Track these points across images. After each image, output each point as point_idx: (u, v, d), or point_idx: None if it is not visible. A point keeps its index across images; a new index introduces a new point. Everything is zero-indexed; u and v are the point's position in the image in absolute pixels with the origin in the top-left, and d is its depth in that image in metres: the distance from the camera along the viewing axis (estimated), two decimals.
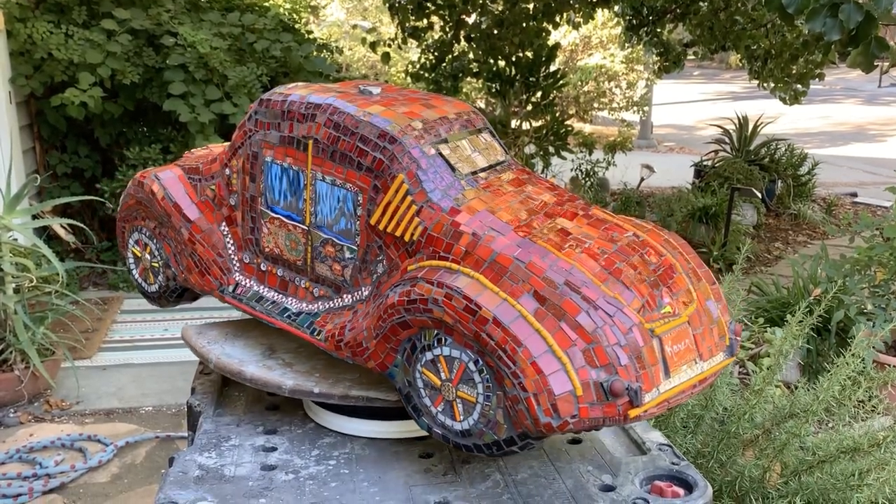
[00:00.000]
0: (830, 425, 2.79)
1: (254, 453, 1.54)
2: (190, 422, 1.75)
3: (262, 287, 1.72)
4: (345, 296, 1.57)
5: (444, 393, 1.38)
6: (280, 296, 1.68)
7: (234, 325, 1.89)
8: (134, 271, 1.97)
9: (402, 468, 1.49)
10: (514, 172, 1.57)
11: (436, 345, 1.38)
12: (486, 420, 1.35)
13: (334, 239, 1.57)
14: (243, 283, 1.75)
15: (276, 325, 1.64)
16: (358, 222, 1.54)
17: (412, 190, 1.47)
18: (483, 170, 1.54)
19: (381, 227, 1.50)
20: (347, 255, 1.56)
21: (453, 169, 1.50)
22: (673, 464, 1.51)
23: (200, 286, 1.80)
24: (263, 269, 1.72)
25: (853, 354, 2.44)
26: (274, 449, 1.56)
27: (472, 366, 1.34)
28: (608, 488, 1.43)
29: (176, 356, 4.47)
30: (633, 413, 1.28)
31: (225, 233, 1.77)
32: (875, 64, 3.05)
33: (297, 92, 1.65)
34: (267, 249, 1.70)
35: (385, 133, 1.50)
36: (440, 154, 1.51)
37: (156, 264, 1.88)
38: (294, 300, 1.65)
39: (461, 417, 1.38)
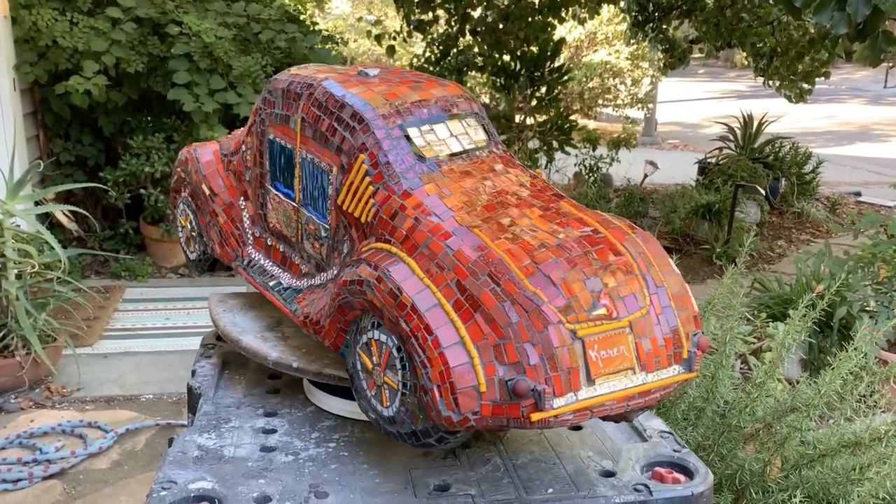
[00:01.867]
0: (831, 420, 2.79)
1: (253, 435, 1.54)
2: (190, 404, 1.75)
3: (267, 261, 1.76)
4: (322, 274, 1.59)
5: (375, 377, 1.37)
6: (279, 270, 1.70)
7: (254, 297, 1.92)
8: (181, 239, 2.07)
9: (402, 452, 1.49)
10: (491, 160, 1.52)
11: (370, 328, 1.36)
12: (405, 409, 1.32)
13: (314, 217, 1.59)
14: (254, 256, 1.79)
15: (269, 298, 1.68)
16: (329, 202, 1.55)
17: (371, 171, 1.47)
18: (454, 155, 1.50)
19: (344, 207, 1.51)
20: (323, 234, 1.58)
21: (418, 152, 1.48)
22: (674, 451, 1.50)
23: (221, 257, 1.87)
24: (269, 243, 1.76)
25: (855, 348, 2.43)
26: (274, 431, 1.55)
27: (395, 352, 1.31)
28: (609, 474, 1.43)
29: (178, 345, 4.47)
30: (536, 416, 1.20)
31: (242, 207, 1.83)
32: (882, 58, 3.03)
33: (302, 72, 1.67)
34: (271, 225, 1.73)
35: (355, 113, 1.50)
36: (406, 136, 1.49)
37: (193, 234, 1.97)
38: (288, 275, 1.68)
39: (387, 403, 1.35)
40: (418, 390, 1.27)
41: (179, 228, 2.06)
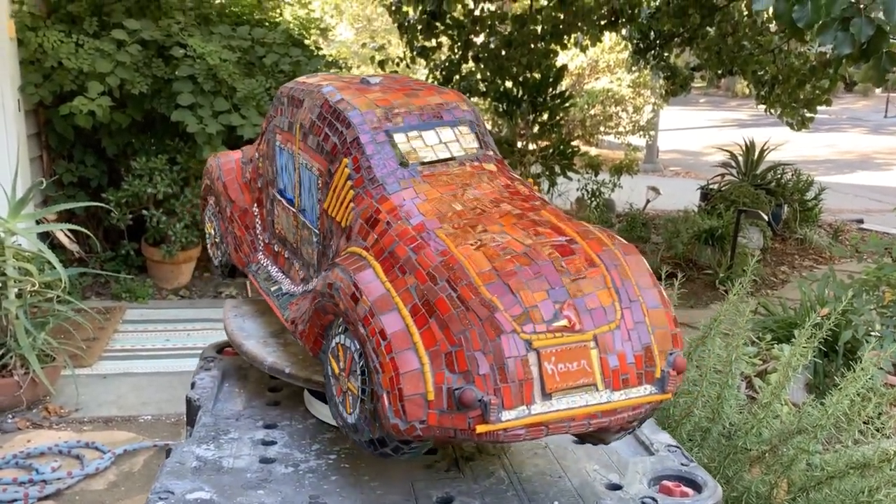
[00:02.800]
0: (838, 444, 2.75)
1: (253, 446, 1.51)
2: (189, 417, 1.73)
3: (273, 267, 1.77)
4: (313, 280, 1.58)
5: (341, 383, 1.34)
6: (282, 276, 1.70)
7: (266, 304, 1.92)
8: (208, 245, 2.11)
9: (404, 464, 1.46)
10: (478, 167, 1.51)
11: (338, 333, 1.34)
12: (363, 416, 1.29)
13: (307, 223, 1.60)
14: (262, 262, 1.80)
15: (269, 304, 1.68)
16: (318, 207, 1.55)
17: (353, 175, 1.46)
18: (440, 161, 1.49)
19: (329, 211, 1.51)
20: (314, 239, 1.58)
21: (401, 158, 1.47)
22: (682, 465, 1.48)
23: (236, 262, 1.90)
24: (276, 250, 1.77)
25: (862, 369, 2.41)
26: (273, 443, 1.53)
27: (356, 357, 1.29)
28: (615, 487, 1.40)
29: (177, 366, 4.43)
30: (482, 429, 1.15)
31: (255, 213, 1.85)
32: (885, 79, 3.03)
33: (308, 80, 1.68)
34: (278, 231, 1.75)
35: (343, 118, 1.51)
36: (391, 142, 1.48)
37: (216, 240, 2.01)
38: (288, 281, 1.69)
39: (350, 410, 1.32)
40: (374, 397, 1.24)
41: (207, 235, 2.10)
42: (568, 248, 1.29)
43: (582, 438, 1.38)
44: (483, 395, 1.14)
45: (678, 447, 1.54)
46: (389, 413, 1.19)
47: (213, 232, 2.04)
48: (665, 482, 1.41)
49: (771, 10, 3.11)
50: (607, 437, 1.34)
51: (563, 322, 1.21)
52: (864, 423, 2.51)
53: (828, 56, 7.74)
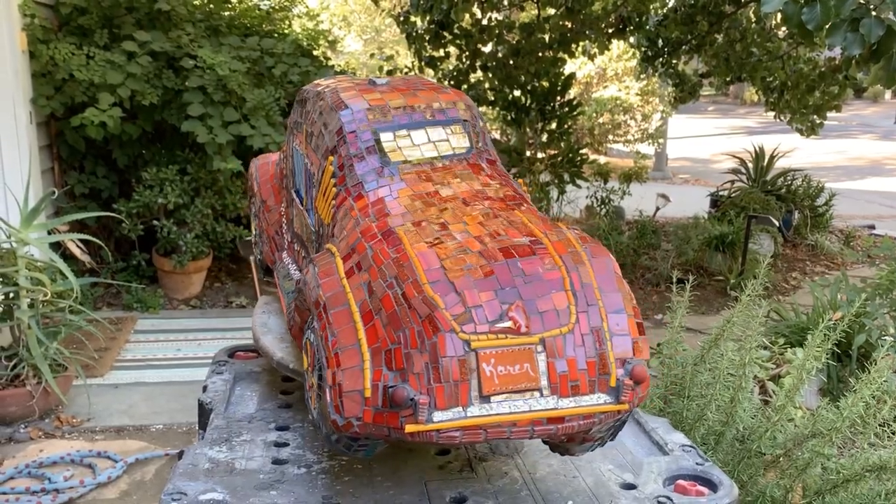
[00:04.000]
0: (851, 451, 2.73)
1: (265, 448, 1.51)
2: (201, 420, 1.72)
3: (292, 266, 1.78)
4: None
5: (307, 378, 1.35)
6: (299, 275, 1.70)
7: None
8: (252, 242, 2.16)
9: (416, 464, 1.45)
10: (463, 166, 1.50)
11: (307, 329, 1.35)
12: (318, 411, 1.29)
13: (309, 221, 1.62)
14: (285, 260, 1.83)
15: (281, 301, 1.70)
16: (314, 204, 1.59)
17: (336, 173, 1.48)
18: (425, 160, 1.49)
19: (318, 209, 1.53)
20: (314, 237, 1.59)
21: (384, 156, 1.48)
22: (697, 464, 1.46)
23: (267, 260, 1.94)
24: (296, 248, 1.79)
25: (878, 370, 2.38)
26: (286, 444, 1.52)
27: (317, 352, 1.28)
28: (630, 486, 1.39)
29: (189, 375, 4.44)
30: (411, 428, 1.13)
31: (282, 213, 1.87)
32: None
33: (322, 83, 1.71)
34: (296, 230, 1.76)
35: (335, 117, 1.53)
36: (377, 140, 1.49)
37: (255, 238, 2.06)
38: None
39: (314, 405, 1.32)
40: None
41: (252, 234, 2.15)
42: (528, 249, 1.25)
43: (551, 448, 1.35)
44: (415, 394, 1.13)
45: (693, 447, 1.53)
46: (330, 408, 1.19)
47: (254, 231, 2.09)
48: (680, 481, 1.40)
49: (780, 13, 3.11)
50: (572, 447, 1.29)
51: (508, 324, 1.17)
52: (880, 425, 2.48)
53: (836, 61, 7.73)
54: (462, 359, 1.14)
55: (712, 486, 1.39)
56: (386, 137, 1.50)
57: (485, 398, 1.14)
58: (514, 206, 1.40)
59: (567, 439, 1.27)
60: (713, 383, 2.54)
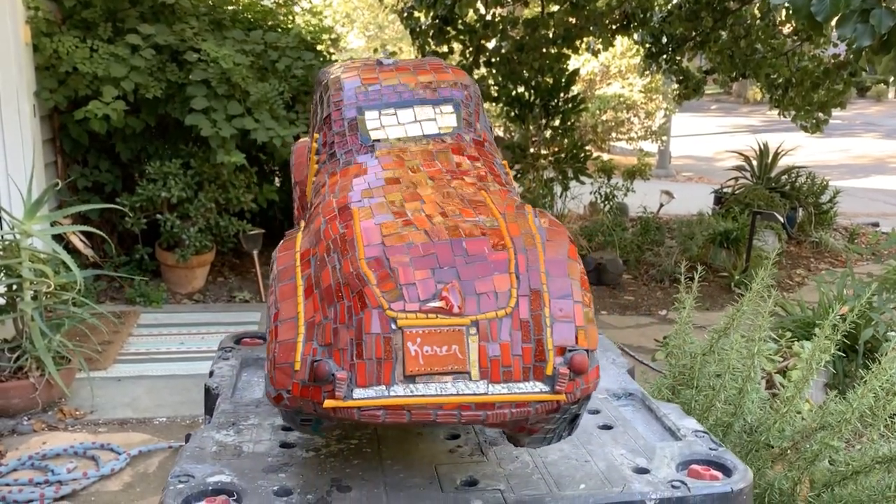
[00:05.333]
0: (858, 446, 2.71)
1: (273, 432, 1.49)
2: (207, 405, 1.71)
3: None
4: None
5: None
6: None
7: None
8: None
9: (426, 448, 1.44)
10: (444, 146, 1.48)
11: None
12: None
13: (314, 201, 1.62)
14: None
15: None
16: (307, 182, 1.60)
17: (319, 150, 1.50)
18: (408, 139, 1.49)
19: (305, 188, 1.54)
20: (306, 215, 1.60)
21: (365, 134, 1.47)
22: (710, 449, 1.45)
23: None
24: None
25: (888, 360, 2.37)
26: (293, 428, 1.51)
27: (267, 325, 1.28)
28: (643, 471, 1.37)
29: (192, 369, 4.42)
30: (329, 404, 1.10)
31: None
32: None
33: (338, 64, 1.71)
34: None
35: (325, 96, 1.54)
36: (359, 119, 1.49)
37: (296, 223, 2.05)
38: None
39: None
40: None
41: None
42: (478, 229, 1.22)
43: (507, 438, 1.32)
44: (337, 369, 1.10)
45: (706, 433, 1.51)
46: (266, 379, 1.19)
47: (295, 213, 2.10)
48: (694, 466, 1.38)
49: (788, 5, 3.09)
50: (521, 437, 1.25)
51: (440, 303, 1.14)
52: (889, 417, 2.46)
53: (841, 57, 7.71)
54: (387, 336, 1.12)
55: (726, 470, 1.38)
56: (371, 115, 1.50)
57: (410, 378, 1.11)
58: (483, 186, 1.37)
59: (508, 428, 1.22)
60: (722, 374, 2.52)
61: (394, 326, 1.12)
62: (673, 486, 1.31)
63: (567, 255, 1.23)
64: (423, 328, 1.12)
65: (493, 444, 1.45)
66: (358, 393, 1.11)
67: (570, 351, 1.15)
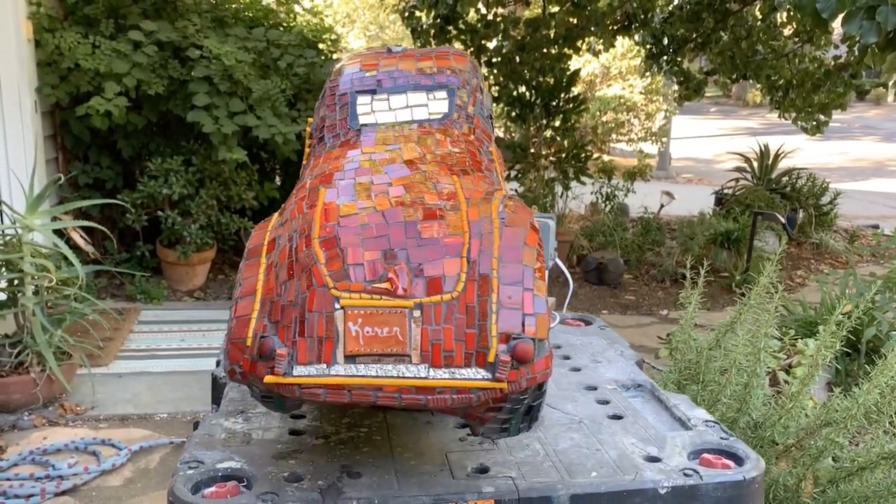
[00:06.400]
0: (862, 444, 2.70)
1: (282, 420, 1.49)
2: (214, 395, 1.70)
3: None
4: None
5: None
6: None
7: None
8: None
9: (436, 436, 1.43)
10: (429, 131, 1.48)
11: None
12: None
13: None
14: None
15: None
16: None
17: (314, 134, 1.52)
18: (396, 124, 1.49)
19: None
20: None
21: (354, 119, 1.49)
22: (721, 438, 1.44)
23: None
24: None
25: (894, 356, 2.36)
26: (303, 416, 1.50)
27: None
28: (654, 459, 1.36)
29: (193, 366, 4.41)
30: (269, 379, 1.11)
31: None
32: None
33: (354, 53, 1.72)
34: None
35: (326, 82, 1.58)
36: (351, 104, 1.51)
37: None
38: None
39: None
40: None
41: None
42: (436, 213, 1.21)
43: (466, 425, 1.31)
44: (280, 345, 1.11)
45: (716, 423, 1.51)
46: (223, 355, 1.20)
47: None
48: (705, 455, 1.38)
49: (793, 3, 3.08)
50: (475, 426, 1.23)
51: (385, 285, 1.13)
52: (894, 413, 2.46)
53: (842, 59, 7.71)
54: (329, 315, 1.12)
55: (738, 459, 1.37)
56: (363, 100, 1.51)
57: (350, 358, 1.11)
58: (458, 171, 1.36)
59: (454, 414, 1.21)
60: (727, 369, 2.52)
61: (336, 306, 1.12)
62: (685, 475, 1.30)
63: (524, 241, 1.20)
64: (364, 309, 1.12)
65: None
66: (298, 370, 1.11)
67: (514, 339, 1.11)
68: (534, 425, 1.24)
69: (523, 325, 1.13)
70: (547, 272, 2.28)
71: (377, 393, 1.11)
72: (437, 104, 1.53)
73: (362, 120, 1.49)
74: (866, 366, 3.83)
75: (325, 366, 1.10)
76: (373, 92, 1.52)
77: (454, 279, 1.14)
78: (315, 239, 1.17)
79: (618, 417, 1.53)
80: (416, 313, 1.12)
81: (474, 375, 1.11)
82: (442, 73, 1.56)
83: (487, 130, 1.56)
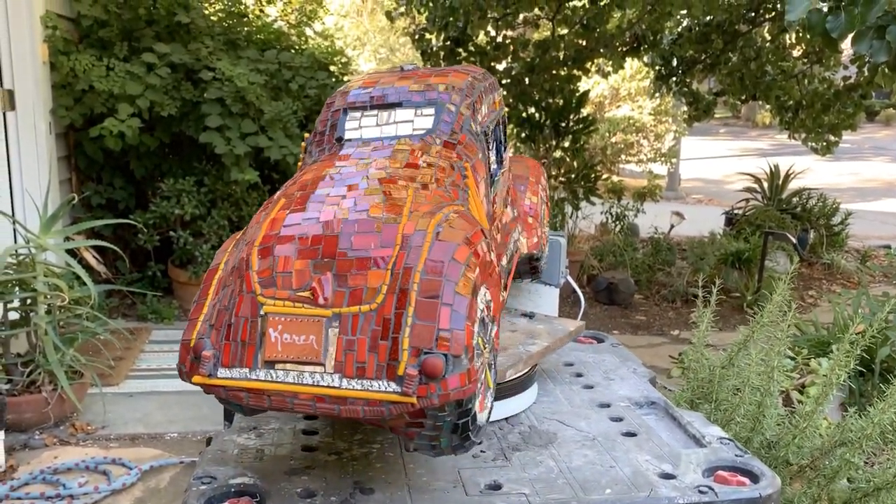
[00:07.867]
0: (877, 464, 2.68)
1: (294, 436, 1.48)
2: (226, 411, 1.70)
3: None
4: None
5: None
6: None
7: None
8: None
9: None
10: (410, 146, 1.47)
11: None
12: None
13: None
14: None
15: None
16: None
17: (307, 150, 1.55)
18: (376, 139, 1.50)
19: None
20: None
21: (341, 135, 1.51)
22: (737, 456, 1.43)
23: None
24: None
25: None
26: (315, 432, 1.50)
27: None
28: (669, 476, 1.35)
29: None
30: (196, 379, 1.17)
31: None
32: None
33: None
34: None
35: (328, 99, 1.59)
36: (341, 120, 1.53)
37: None
38: None
39: None
40: None
41: None
42: (374, 225, 1.21)
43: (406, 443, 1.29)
44: (209, 348, 1.17)
45: (731, 440, 1.49)
46: (178, 357, 1.25)
47: None
48: (720, 472, 1.36)
49: (804, 22, 3.09)
50: (405, 442, 1.22)
51: (308, 293, 1.16)
52: None
53: (852, 79, 7.72)
54: (253, 321, 1.16)
55: (753, 477, 1.36)
56: (353, 116, 1.53)
57: (269, 364, 1.14)
58: (420, 185, 1.34)
59: (370, 424, 1.24)
60: (741, 388, 2.50)
61: (261, 312, 1.16)
62: (700, 492, 1.29)
63: (452, 255, 1.18)
64: (285, 316, 1.15)
65: (517, 450, 1.44)
66: (222, 372, 1.15)
67: (425, 353, 1.10)
68: (468, 445, 1.21)
69: (437, 339, 1.11)
70: (558, 289, 2.27)
71: (293, 400, 1.14)
72: (423, 120, 1.54)
73: (348, 135, 1.51)
74: (881, 385, 3.80)
75: (247, 370, 1.15)
76: (364, 108, 1.54)
77: (375, 291, 1.15)
78: (255, 246, 1.22)
79: (631, 434, 1.52)
80: (335, 323, 1.13)
81: (385, 388, 1.11)
82: (433, 89, 1.56)
83: (473, 146, 1.54)
